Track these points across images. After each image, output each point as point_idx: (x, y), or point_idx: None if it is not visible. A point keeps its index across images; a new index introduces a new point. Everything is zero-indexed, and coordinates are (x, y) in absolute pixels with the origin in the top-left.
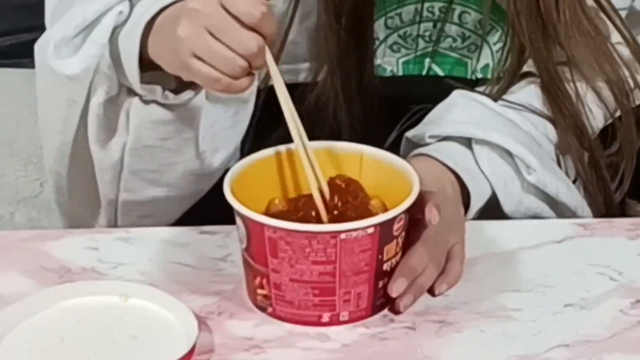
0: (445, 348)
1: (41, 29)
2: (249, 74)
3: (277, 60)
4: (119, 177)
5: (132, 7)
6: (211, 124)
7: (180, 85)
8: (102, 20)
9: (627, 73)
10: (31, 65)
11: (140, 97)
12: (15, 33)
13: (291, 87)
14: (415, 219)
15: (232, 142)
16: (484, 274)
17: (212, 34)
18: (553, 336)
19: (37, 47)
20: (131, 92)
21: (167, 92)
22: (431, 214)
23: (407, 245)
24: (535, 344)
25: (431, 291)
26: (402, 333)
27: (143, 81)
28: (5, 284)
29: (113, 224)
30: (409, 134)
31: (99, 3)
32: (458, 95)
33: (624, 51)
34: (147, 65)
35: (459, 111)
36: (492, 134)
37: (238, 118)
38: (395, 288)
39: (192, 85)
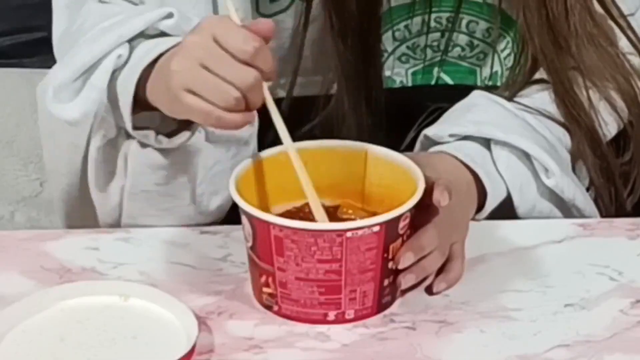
0: (445, 348)
1: (41, 29)
2: (246, 111)
3: (294, 77)
4: (119, 220)
5: (131, 50)
6: (211, 166)
7: (179, 128)
8: (102, 63)
9: (639, 83)
10: (31, 65)
11: (139, 140)
12: (15, 33)
13: (303, 100)
14: (424, 204)
15: None
16: (484, 274)
17: (206, 68)
18: (553, 336)
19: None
20: (129, 136)
21: (160, 137)
22: (442, 196)
23: (415, 230)
24: (535, 344)
25: (430, 290)
26: (402, 333)
27: (141, 124)
28: (5, 284)
29: None
30: (429, 131)
31: (99, 46)
32: (478, 96)
33: (635, 60)
34: (147, 109)
35: (479, 111)
36: (512, 136)
37: (239, 159)
38: (402, 261)
39: (189, 128)
